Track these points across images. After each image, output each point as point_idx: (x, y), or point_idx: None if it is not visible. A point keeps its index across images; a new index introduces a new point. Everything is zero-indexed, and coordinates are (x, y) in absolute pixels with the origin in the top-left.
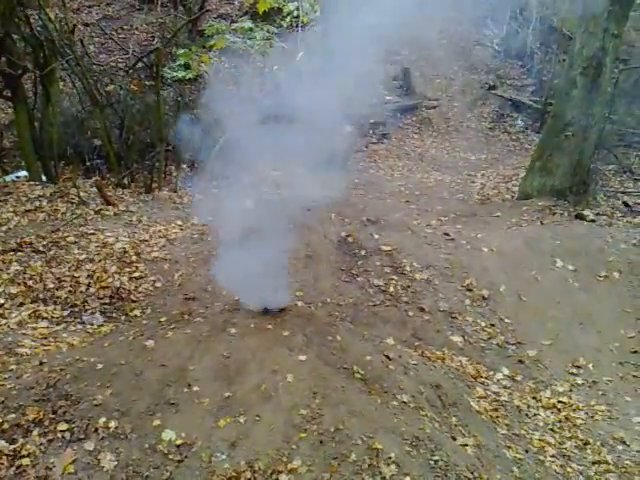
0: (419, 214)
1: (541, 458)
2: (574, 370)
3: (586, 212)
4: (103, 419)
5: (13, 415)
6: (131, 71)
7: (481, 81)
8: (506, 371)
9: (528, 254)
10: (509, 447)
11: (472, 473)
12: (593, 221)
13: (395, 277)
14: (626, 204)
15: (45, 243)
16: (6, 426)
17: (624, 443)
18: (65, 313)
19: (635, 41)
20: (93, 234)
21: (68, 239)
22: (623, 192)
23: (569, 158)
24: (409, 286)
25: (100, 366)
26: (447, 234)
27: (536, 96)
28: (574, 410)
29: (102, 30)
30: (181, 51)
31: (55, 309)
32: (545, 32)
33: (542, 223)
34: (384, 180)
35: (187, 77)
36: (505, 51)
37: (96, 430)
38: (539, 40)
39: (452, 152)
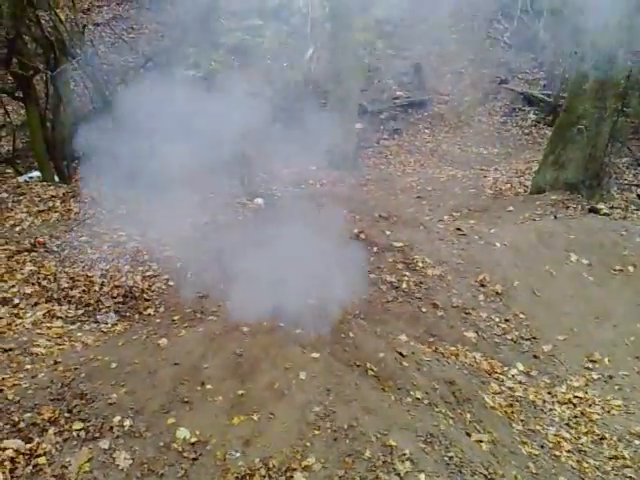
0: (431, 210)
1: (557, 454)
2: (589, 365)
3: (600, 206)
4: (118, 418)
5: (29, 414)
6: (141, 70)
7: (492, 75)
8: (521, 366)
9: (542, 249)
10: (524, 443)
11: (487, 469)
12: (607, 215)
13: (408, 273)
14: None
15: (59, 243)
16: (22, 425)
17: None
18: (79, 312)
19: None
20: (106, 234)
21: (81, 239)
22: (637, 185)
23: (582, 151)
24: (422, 282)
25: (114, 365)
26: (459, 229)
27: (548, 90)
28: (590, 405)
29: (112, 30)
30: (192, 49)
31: (69, 308)
32: (556, 24)
33: (555, 217)
34: (396, 176)
35: (198, 75)
36: (516, 44)
37: (111, 429)
38: (550, 33)
39: (464, 147)
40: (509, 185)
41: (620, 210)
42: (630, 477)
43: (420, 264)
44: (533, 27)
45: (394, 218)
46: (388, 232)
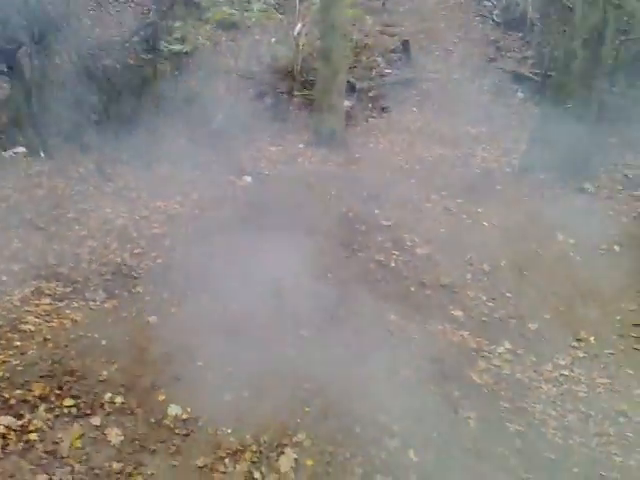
0: (419, 188)
1: (543, 431)
2: (575, 343)
3: (587, 185)
4: (109, 394)
5: (19, 391)
6: (127, 45)
7: (481, 53)
8: (508, 345)
9: (529, 228)
10: (511, 420)
11: (475, 446)
12: (594, 194)
13: (396, 252)
14: (627, 177)
15: (45, 219)
16: (13, 402)
17: (626, 415)
18: (68, 290)
19: (635, 11)
20: (93, 210)
21: (68, 215)
22: (624, 165)
23: (569, 131)
24: (410, 261)
25: (104, 342)
26: (448, 208)
27: (536, 68)
28: (576, 383)
29: (98, 3)
30: (178, 24)
31: (57, 285)
32: (545, 3)
33: (543, 196)
34: (384, 154)
35: (184, 50)
36: (505, 23)
37: (102, 405)
38: (539, 11)
39: (452, 125)
40: (497, 164)
41: (607, 190)
42: (615, 454)
43: (408, 243)
44: (522, 5)
45: (382, 197)
46: (377, 211)
